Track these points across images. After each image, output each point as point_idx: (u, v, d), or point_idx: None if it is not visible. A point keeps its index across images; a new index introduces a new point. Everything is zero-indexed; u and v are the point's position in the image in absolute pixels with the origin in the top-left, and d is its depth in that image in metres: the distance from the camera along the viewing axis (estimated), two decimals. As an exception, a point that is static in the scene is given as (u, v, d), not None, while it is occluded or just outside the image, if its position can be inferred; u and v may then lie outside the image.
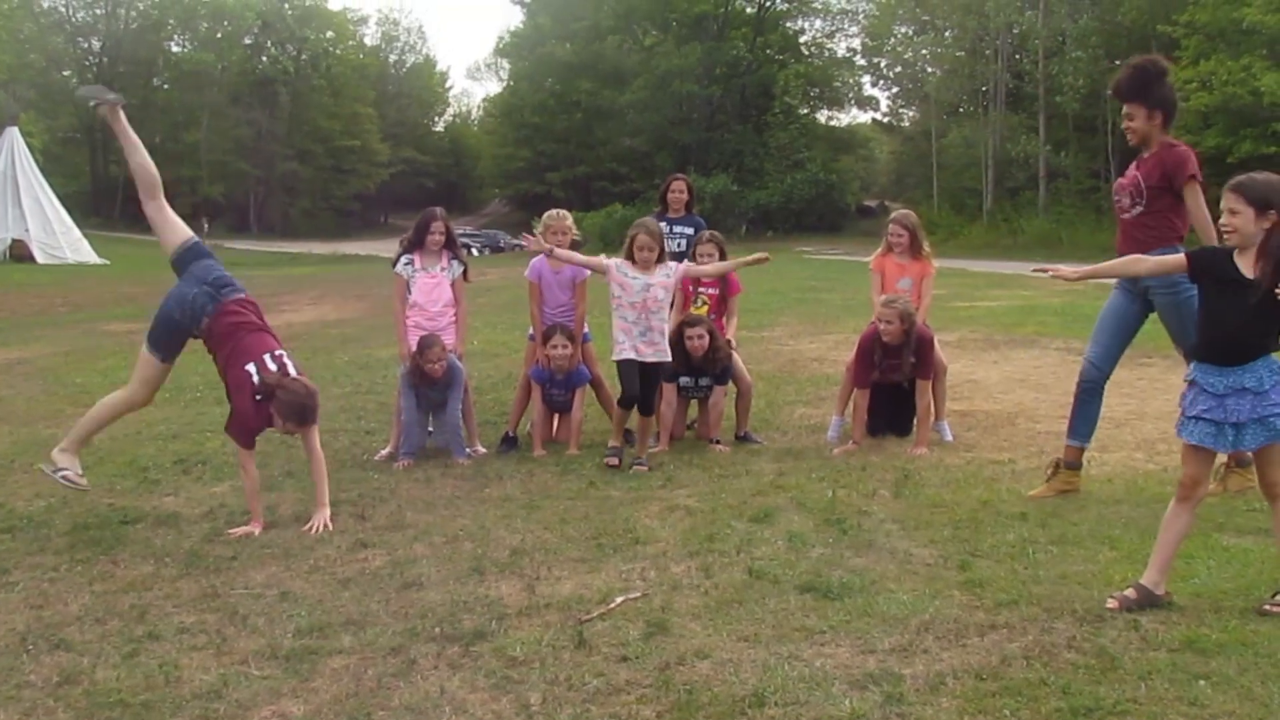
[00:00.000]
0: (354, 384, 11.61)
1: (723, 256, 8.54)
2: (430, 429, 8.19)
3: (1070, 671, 3.89)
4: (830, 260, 40.75)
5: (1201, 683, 3.75)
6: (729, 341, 8.31)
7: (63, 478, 6.36)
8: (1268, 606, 4.42)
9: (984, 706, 3.66)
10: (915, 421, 7.96)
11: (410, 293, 8.06)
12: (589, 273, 8.27)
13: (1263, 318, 4.41)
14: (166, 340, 6.35)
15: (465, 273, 8.22)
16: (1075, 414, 6.56)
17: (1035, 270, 4.96)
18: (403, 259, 8.10)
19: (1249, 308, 4.40)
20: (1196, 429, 4.53)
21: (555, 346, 7.93)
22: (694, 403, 8.50)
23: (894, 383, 7.95)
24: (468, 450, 7.87)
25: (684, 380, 8.18)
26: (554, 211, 8.34)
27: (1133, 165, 6.33)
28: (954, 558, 5.26)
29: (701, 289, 8.60)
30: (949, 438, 8.08)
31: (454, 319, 8.11)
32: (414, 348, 7.72)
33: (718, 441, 8.04)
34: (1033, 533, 5.61)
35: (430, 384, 7.71)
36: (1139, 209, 6.20)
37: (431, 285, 8.06)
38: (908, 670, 3.95)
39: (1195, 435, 4.54)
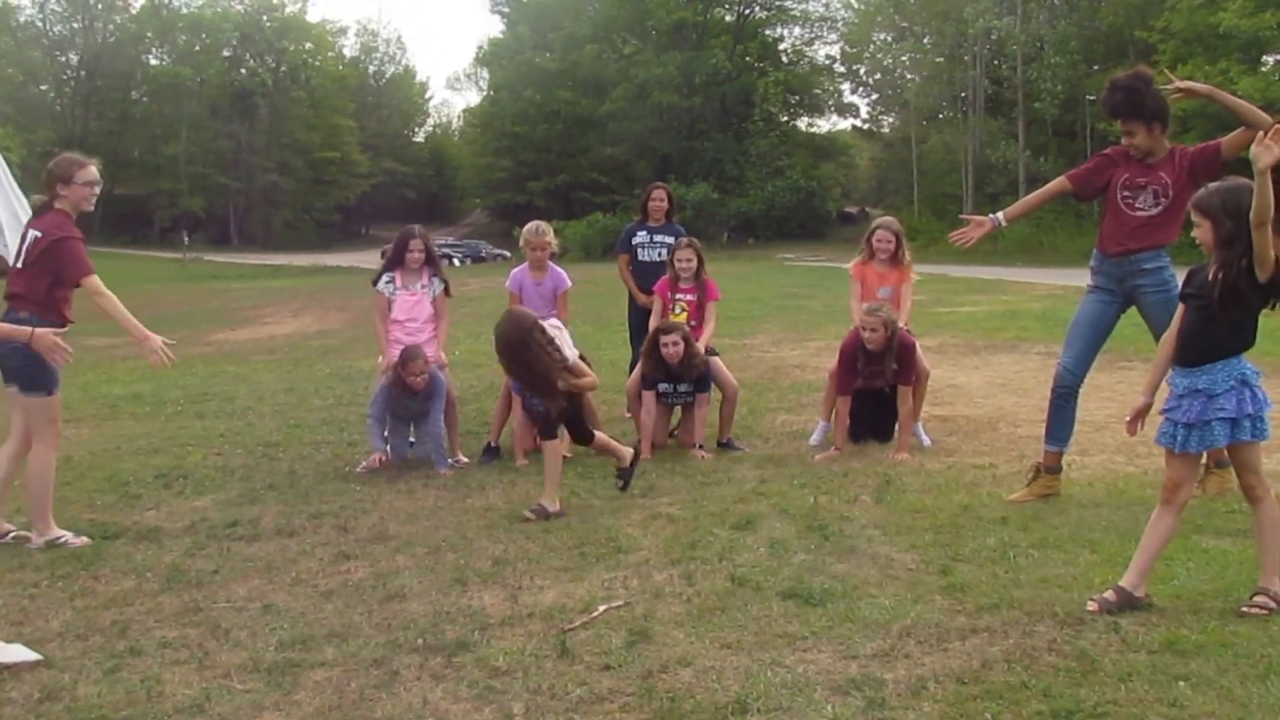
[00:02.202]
0: (335, 396, 11.60)
1: (700, 263, 8.61)
2: (411, 439, 8.18)
3: (1051, 674, 3.91)
4: (812, 267, 40.84)
5: (1181, 684, 3.77)
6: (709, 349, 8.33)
7: (64, 542, 6.12)
8: (1246, 608, 4.44)
9: (965, 710, 3.67)
10: (897, 427, 7.98)
11: (391, 310, 8.10)
12: (570, 284, 8.29)
13: (1213, 320, 4.46)
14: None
15: (446, 289, 8.25)
16: (1052, 419, 6.61)
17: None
18: (384, 277, 8.14)
19: (1205, 308, 4.49)
20: (1161, 427, 4.60)
21: None
22: (676, 409, 8.50)
23: (876, 389, 7.97)
24: (450, 461, 7.87)
25: (663, 387, 8.16)
26: (533, 226, 8.35)
27: (1137, 165, 6.34)
28: (935, 562, 5.28)
29: (679, 295, 8.61)
30: (927, 442, 8.11)
31: (434, 334, 8.14)
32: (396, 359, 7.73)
33: (701, 448, 8.02)
34: (1013, 537, 5.63)
35: (411, 395, 7.72)
36: (1159, 209, 6.29)
37: (412, 303, 8.09)
38: (889, 675, 3.96)
39: (1159, 433, 4.63)
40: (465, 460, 8.08)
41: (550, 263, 8.32)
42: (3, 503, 6.45)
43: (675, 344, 7.90)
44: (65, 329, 6.02)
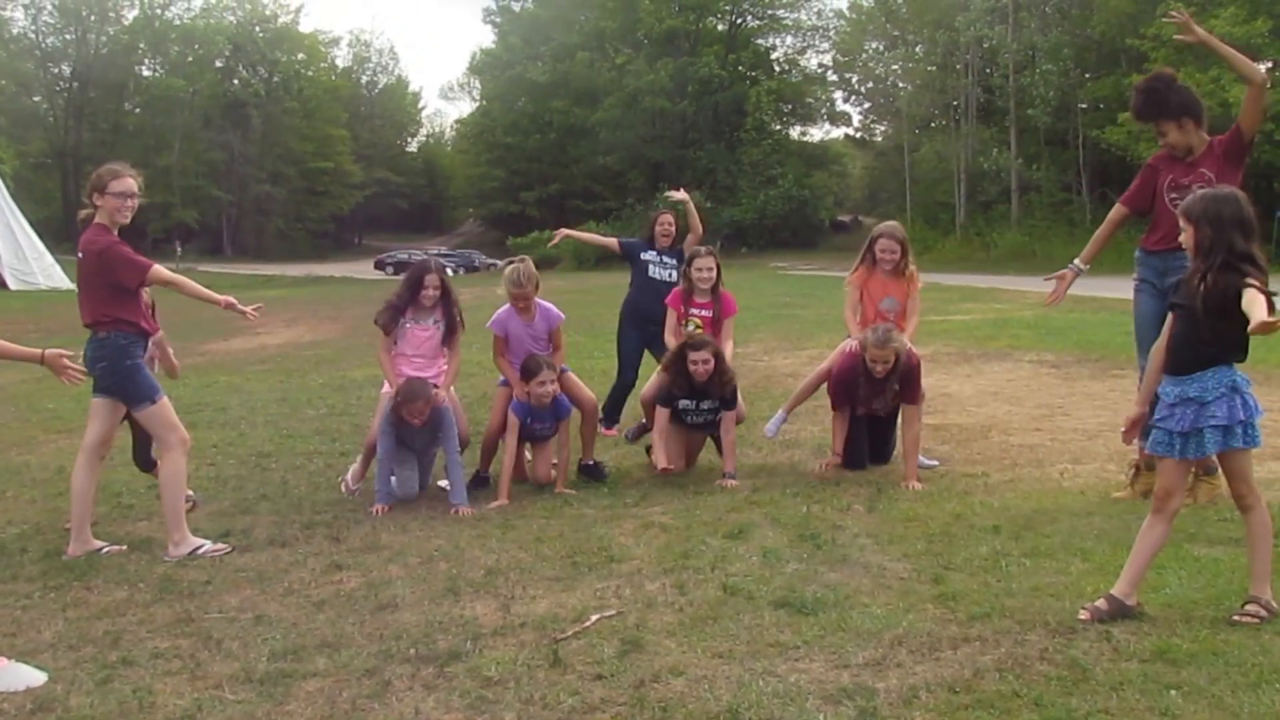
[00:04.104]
0: (328, 406, 11.58)
1: (719, 274, 8.30)
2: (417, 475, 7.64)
3: (1043, 683, 3.91)
4: (805, 276, 40.87)
5: (1172, 693, 3.78)
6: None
7: (205, 553, 6.08)
8: (1238, 616, 4.45)
9: (957, 719, 3.68)
10: (902, 453, 7.53)
11: (396, 343, 7.53)
12: (562, 317, 7.86)
13: (1200, 328, 4.48)
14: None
15: (460, 325, 7.64)
16: None
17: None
18: (389, 315, 7.53)
19: (1191, 316, 4.51)
20: (1154, 436, 4.62)
21: (543, 383, 7.34)
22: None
23: (872, 412, 7.64)
24: (464, 498, 7.19)
25: (684, 403, 7.67)
26: (514, 275, 7.64)
27: (1180, 166, 6.37)
28: (927, 571, 5.28)
29: (694, 310, 8.23)
30: (932, 464, 7.74)
31: (443, 369, 7.59)
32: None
33: (731, 476, 7.47)
34: (1005, 545, 5.64)
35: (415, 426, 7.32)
36: None
37: (423, 338, 7.53)
38: (881, 684, 3.97)
39: (1151, 442, 4.66)
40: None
41: (537, 299, 7.77)
42: (88, 521, 6.31)
43: (705, 361, 7.43)
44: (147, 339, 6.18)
